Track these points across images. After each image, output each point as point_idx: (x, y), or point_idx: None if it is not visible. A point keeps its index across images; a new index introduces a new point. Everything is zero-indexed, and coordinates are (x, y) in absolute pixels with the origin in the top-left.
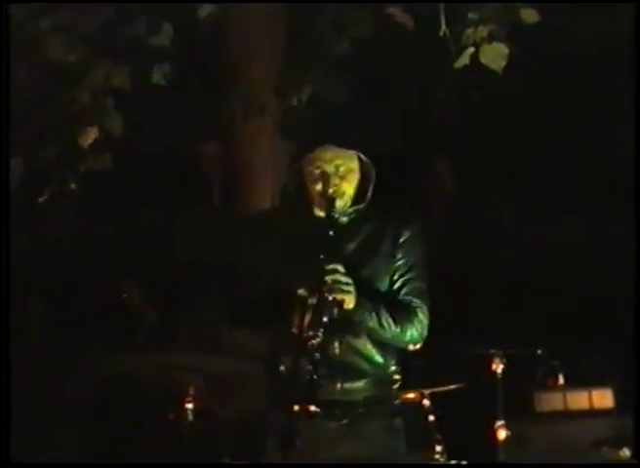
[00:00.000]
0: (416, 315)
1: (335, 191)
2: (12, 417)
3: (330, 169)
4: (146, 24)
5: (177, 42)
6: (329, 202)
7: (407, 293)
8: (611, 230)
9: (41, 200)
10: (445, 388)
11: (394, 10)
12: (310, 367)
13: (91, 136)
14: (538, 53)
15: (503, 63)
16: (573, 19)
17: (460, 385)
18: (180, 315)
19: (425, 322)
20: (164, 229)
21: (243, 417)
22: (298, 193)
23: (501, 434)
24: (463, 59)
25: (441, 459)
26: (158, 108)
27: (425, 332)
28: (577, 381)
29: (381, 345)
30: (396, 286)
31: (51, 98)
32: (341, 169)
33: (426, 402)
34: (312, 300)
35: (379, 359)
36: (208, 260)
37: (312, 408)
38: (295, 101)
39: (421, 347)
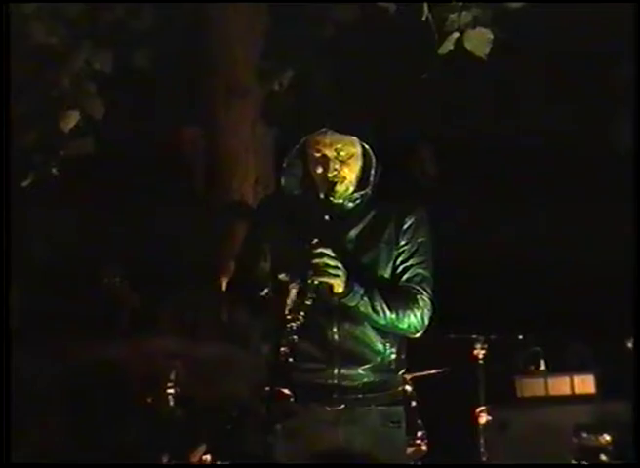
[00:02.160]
0: (415, 302)
1: (335, 175)
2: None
3: (330, 153)
4: (128, 8)
5: (158, 26)
6: (329, 186)
7: (408, 280)
8: (594, 220)
9: (24, 184)
10: (426, 373)
11: None
12: (286, 349)
13: (72, 120)
14: (523, 38)
15: (488, 49)
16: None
17: (441, 370)
18: (161, 300)
19: (426, 309)
20: (145, 214)
21: (224, 403)
22: (303, 175)
23: (483, 419)
24: (448, 45)
25: (423, 446)
26: (139, 92)
27: (427, 320)
28: (558, 367)
29: (382, 332)
30: (398, 272)
31: (32, 82)
32: (342, 153)
33: (408, 387)
34: (294, 284)
35: (378, 346)
36: (190, 245)
37: (285, 391)
38: (277, 86)
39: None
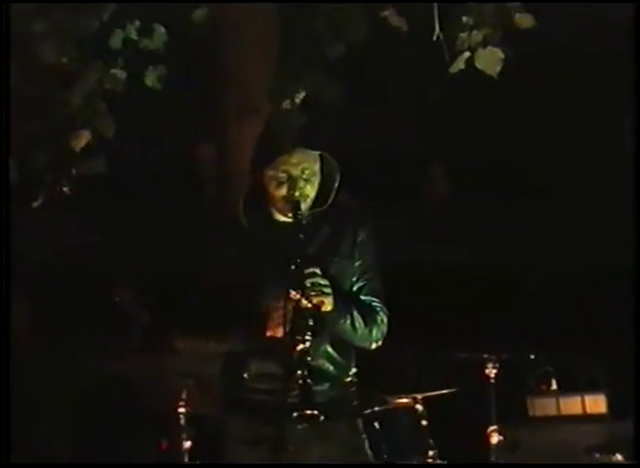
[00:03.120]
0: (377, 314)
1: (300, 194)
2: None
3: (296, 172)
4: (140, 28)
5: (170, 45)
6: (294, 205)
7: (367, 294)
8: (606, 235)
9: (35, 205)
10: (438, 393)
11: (389, 13)
12: (302, 372)
13: (83, 139)
14: (533, 56)
15: (499, 68)
16: (568, 20)
17: (453, 390)
18: (172, 318)
19: (385, 321)
20: (158, 232)
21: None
22: (258, 197)
23: (494, 439)
24: (458, 64)
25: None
26: (151, 112)
27: (385, 332)
28: (570, 387)
29: (343, 347)
30: (356, 287)
31: (43, 102)
32: (307, 172)
33: (419, 407)
34: (289, 306)
35: (341, 361)
36: (204, 264)
37: (314, 412)
38: (288, 105)
39: (415, 352)
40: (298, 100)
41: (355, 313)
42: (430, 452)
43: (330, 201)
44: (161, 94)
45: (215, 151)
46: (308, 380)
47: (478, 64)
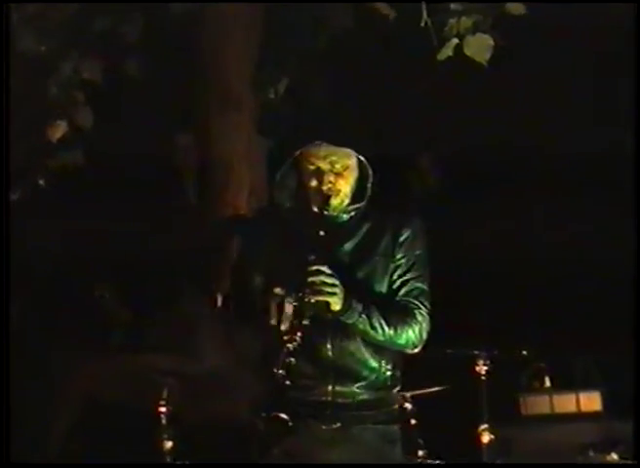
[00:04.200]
0: (413, 317)
1: (330, 188)
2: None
3: (324, 165)
4: (117, 16)
5: (149, 33)
6: (323, 199)
7: (405, 294)
8: (600, 231)
9: (13, 197)
10: (427, 391)
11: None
12: (282, 372)
13: (60, 130)
14: (524, 43)
15: (489, 55)
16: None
17: (443, 388)
18: (155, 316)
19: (424, 324)
20: (137, 227)
21: (216, 423)
22: (296, 188)
23: (486, 438)
24: (447, 51)
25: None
26: (130, 102)
27: (425, 335)
28: (564, 384)
29: (377, 348)
30: (395, 286)
31: (19, 92)
32: (337, 166)
33: (408, 405)
34: (290, 300)
35: (373, 362)
36: (184, 259)
37: (283, 416)
38: (271, 95)
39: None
40: (280, 92)
41: (375, 314)
42: (420, 452)
43: (365, 198)
44: (140, 84)
45: (196, 143)
46: (287, 382)
47: (467, 51)
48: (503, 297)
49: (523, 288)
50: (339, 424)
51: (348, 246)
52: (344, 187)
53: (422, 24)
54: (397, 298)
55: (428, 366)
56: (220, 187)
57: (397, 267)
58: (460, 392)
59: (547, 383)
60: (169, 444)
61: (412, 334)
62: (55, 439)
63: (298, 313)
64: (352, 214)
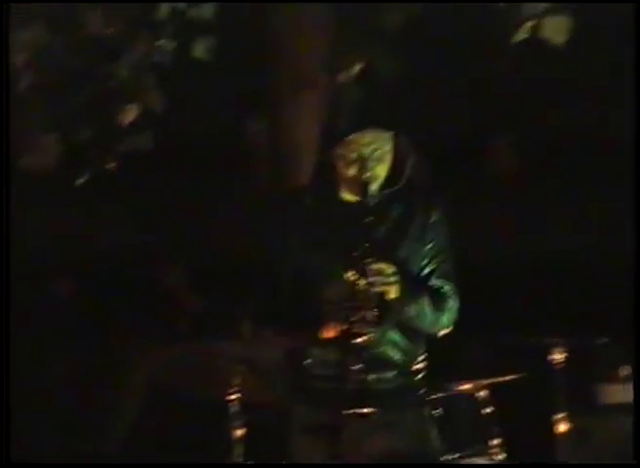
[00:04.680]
0: (447, 302)
1: (370, 175)
2: (14, 416)
3: (367, 152)
4: None
5: (221, 15)
6: (364, 186)
7: (438, 278)
8: None
9: (79, 182)
10: (503, 379)
11: None
12: (359, 366)
13: (130, 114)
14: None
15: (567, 37)
16: None
17: (518, 376)
18: (225, 303)
19: (456, 306)
20: (208, 212)
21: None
22: (325, 176)
23: (562, 427)
24: (522, 33)
25: (498, 454)
26: (201, 85)
27: (456, 317)
28: None
29: (410, 334)
30: (427, 270)
31: (88, 75)
32: (378, 152)
33: (483, 393)
34: (358, 287)
35: (408, 348)
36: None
37: (366, 410)
38: (345, 78)
39: (479, 336)
40: (355, 73)
41: (424, 299)
42: (494, 441)
43: (402, 182)
44: (211, 67)
45: (266, 127)
46: (365, 376)
47: (544, 33)
48: (582, 285)
49: (603, 274)
50: (377, 410)
51: (381, 231)
52: (382, 172)
53: (498, 5)
54: (431, 283)
55: (505, 354)
56: (292, 171)
57: (428, 251)
58: (536, 381)
59: (626, 372)
60: (239, 432)
61: (446, 320)
62: (121, 430)
63: (364, 305)
64: (382, 198)
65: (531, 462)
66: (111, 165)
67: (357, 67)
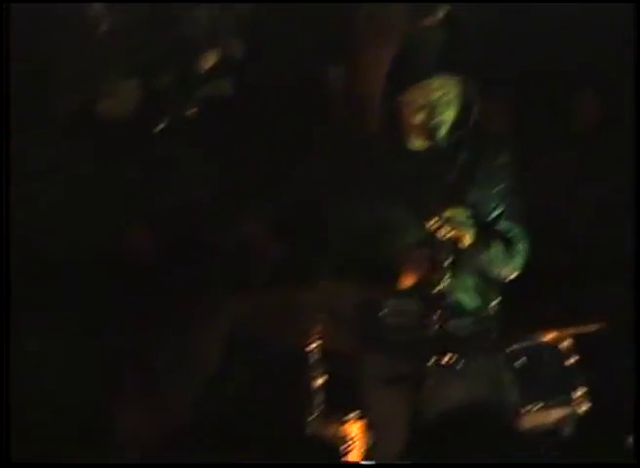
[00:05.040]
0: (518, 243)
1: (439, 121)
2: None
3: (436, 98)
4: None
5: None
6: (433, 132)
7: (507, 220)
8: None
9: (158, 129)
10: (588, 328)
11: None
12: (437, 314)
13: (210, 59)
14: None
15: None
16: None
17: (603, 326)
18: (305, 252)
19: (526, 249)
20: (286, 158)
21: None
22: (393, 123)
23: None
24: None
25: (582, 405)
26: (281, 32)
27: (525, 260)
28: None
29: (484, 280)
30: (496, 213)
31: (168, 22)
32: (446, 97)
33: (568, 342)
34: (433, 235)
35: (482, 294)
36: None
37: (446, 358)
38: (427, 23)
39: (562, 287)
40: (437, 18)
41: (495, 244)
42: (579, 392)
43: (469, 126)
44: (291, 14)
45: (345, 73)
46: (443, 323)
47: None
48: None
49: None
50: (458, 357)
51: (450, 177)
52: (450, 118)
53: None
54: (501, 227)
55: (590, 304)
56: (370, 120)
57: (496, 193)
58: (622, 330)
59: None
60: (319, 381)
61: (518, 264)
62: (200, 382)
63: (439, 253)
64: (450, 142)
65: (614, 412)
66: (191, 111)
67: (440, 12)
